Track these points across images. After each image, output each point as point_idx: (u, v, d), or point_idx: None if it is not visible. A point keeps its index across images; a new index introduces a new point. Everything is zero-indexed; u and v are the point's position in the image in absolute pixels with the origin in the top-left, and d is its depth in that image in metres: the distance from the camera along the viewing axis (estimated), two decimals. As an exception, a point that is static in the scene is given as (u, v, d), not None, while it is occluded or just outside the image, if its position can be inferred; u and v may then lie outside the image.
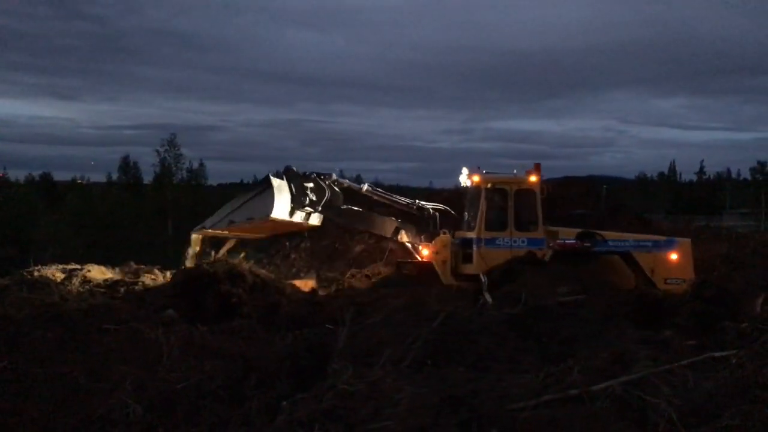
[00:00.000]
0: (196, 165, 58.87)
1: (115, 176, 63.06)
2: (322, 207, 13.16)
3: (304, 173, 13.39)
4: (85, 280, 12.36)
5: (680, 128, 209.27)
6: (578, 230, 13.51)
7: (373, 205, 14.50)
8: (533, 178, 13.53)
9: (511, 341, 7.19)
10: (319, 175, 13.46)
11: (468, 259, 13.26)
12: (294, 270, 18.98)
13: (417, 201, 14.30)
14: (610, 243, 13.39)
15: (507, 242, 13.20)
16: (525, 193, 13.49)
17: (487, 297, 10.36)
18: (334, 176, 13.74)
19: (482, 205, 13.24)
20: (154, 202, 46.62)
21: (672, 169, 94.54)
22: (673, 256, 13.21)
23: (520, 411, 4.72)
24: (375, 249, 23.18)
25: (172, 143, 48.45)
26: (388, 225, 13.98)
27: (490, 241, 13.16)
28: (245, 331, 8.75)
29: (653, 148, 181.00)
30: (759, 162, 69.95)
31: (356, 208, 13.80)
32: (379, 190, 14.80)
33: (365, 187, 14.04)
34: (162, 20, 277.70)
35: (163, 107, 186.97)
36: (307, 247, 23.60)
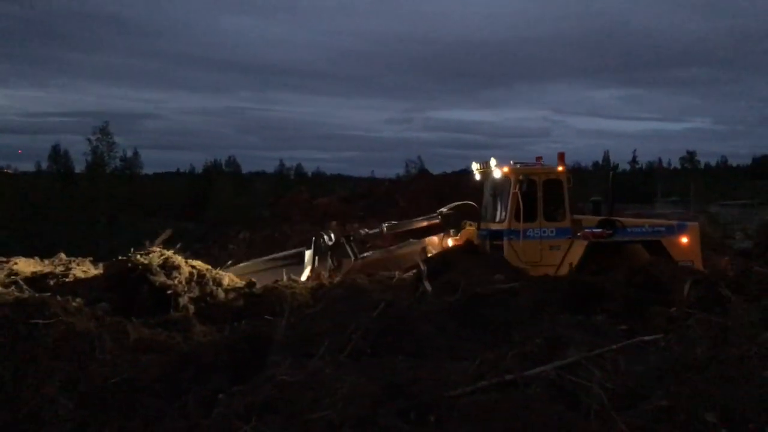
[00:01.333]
0: (130, 154, 57.60)
1: (44, 165, 61.08)
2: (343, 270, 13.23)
3: (333, 240, 13.56)
4: (12, 273, 11.92)
5: (614, 119, 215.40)
6: (599, 218, 13.64)
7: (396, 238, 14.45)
8: (560, 168, 13.58)
9: (450, 329, 7.26)
10: (347, 238, 13.45)
11: (498, 250, 13.22)
12: (232, 261, 18.72)
13: (439, 211, 14.22)
14: (629, 230, 13.59)
15: (537, 233, 13.23)
16: (553, 183, 13.57)
17: (427, 285, 10.44)
18: (362, 232, 13.78)
19: (512, 195, 13.21)
20: (86, 192, 45.29)
21: (606, 158, 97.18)
22: (684, 240, 13.54)
23: (457, 397, 4.77)
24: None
25: (104, 131, 47.25)
26: (415, 250, 13.93)
27: (521, 233, 13.16)
28: (181, 323, 8.60)
29: (588, 138, 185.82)
30: (688, 151, 72.93)
31: (375, 254, 14.06)
32: (395, 222, 14.84)
33: (384, 228, 13.97)
34: (94, 4, 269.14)
35: (95, 94, 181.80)
36: (246, 237, 23.35)
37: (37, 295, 10.24)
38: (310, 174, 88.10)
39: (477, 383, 4.92)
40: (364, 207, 27.67)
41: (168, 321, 8.90)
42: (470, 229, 13.63)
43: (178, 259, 11.08)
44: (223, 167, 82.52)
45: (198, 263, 11.76)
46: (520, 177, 13.39)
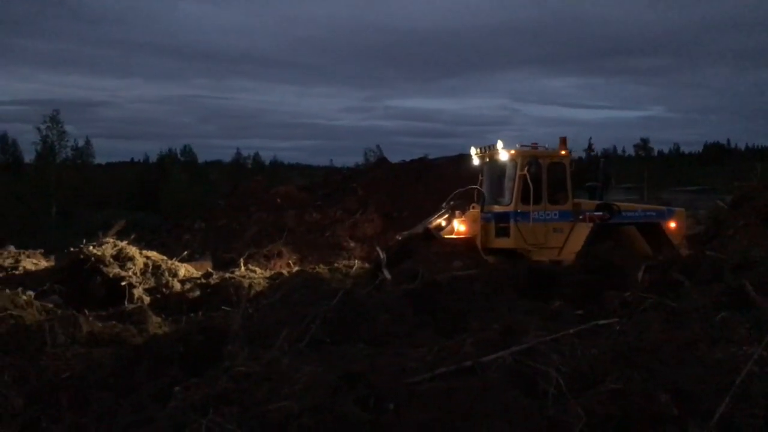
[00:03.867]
0: (81, 143, 56.28)
1: (-9, 155, 59.39)
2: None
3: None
4: (-41, 267, 11.58)
5: (570, 107, 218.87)
6: (597, 202, 13.83)
7: None
8: (564, 152, 13.64)
9: (408, 317, 7.26)
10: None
11: (504, 233, 13.27)
12: (188, 252, 18.49)
13: (445, 206, 14.00)
14: (624, 214, 13.81)
15: (542, 216, 13.32)
16: (557, 166, 13.73)
17: (386, 273, 10.44)
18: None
19: (518, 178, 13.21)
20: (35, 182, 44.15)
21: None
22: (672, 224, 13.81)
23: (416, 384, 4.77)
24: (273, 228, 22.94)
25: (54, 119, 45.94)
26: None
27: (526, 215, 13.25)
28: (136, 315, 8.45)
29: (546, 125, 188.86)
30: (642, 139, 74.14)
31: None
32: (404, 232, 14.57)
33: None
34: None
35: (46, 82, 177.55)
36: (202, 227, 23.07)
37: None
38: (267, 163, 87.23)
39: (435, 370, 4.92)
40: (322, 196, 27.56)
41: (122, 313, 8.76)
42: (473, 211, 13.66)
43: (132, 250, 10.91)
44: (179, 156, 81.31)
45: (153, 254, 11.59)
46: (528, 159, 13.50)
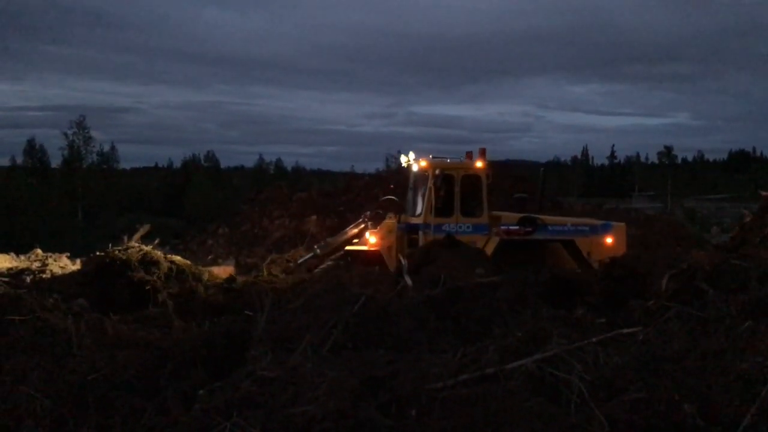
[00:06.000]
0: (107, 148, 56.98)
1: (19, 160, 60.27)
2: None
3: None
4: (-12, 270, 11.77)
5: (594, 114, 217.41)
6: (520, 215, 13.60)
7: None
8: (480, 164, 13.53)
9: (430, 323, 7.26)
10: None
11: (414, 244, 13.17)
12: (211, 256, 18.63)
13: (364, 216, 14.13)
14: (550, 228, 13.55)
15: (453, 228, 13.14)
16: (471, 178, 13.52)
17: (407, 279, 10.44)
18: (291, 265, 14.33)
19: (429, 190, 13.15)
20: (62, 187, 44.77)
21: (585, 153, 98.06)
22: (609, 240, 13.55)
23: (438, 391, 4.78)
24: (295, 234, 23.05)
25: (81, 125, 46.60)
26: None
27: (437, 227, 13.11)
28: (160, 319, 8.53)
29: (568, 132, 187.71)
30: (666, 146, 73.54)
31: None
32: (329, 239, 15.02)
33: (318, 251, 14.12)
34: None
35: (72, 88, 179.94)
36: (225, 232, 23.24)
37: (12, 291, 10.12)
38: (289, 169, 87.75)
39: (457, 376, 4.93)
40: (343, 202, 27.62)
41: (147, 317, 8.83)
42: (389, 222, 13.55)
43: (157, 255, 11.01)
44: (202, 162, 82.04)
45: (177, 258, 11.69)
46: (437, 171, 13.32)
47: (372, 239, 13.36)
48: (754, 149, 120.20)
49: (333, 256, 13.86)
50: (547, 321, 6.97)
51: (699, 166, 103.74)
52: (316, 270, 13.59)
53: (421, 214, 13.37)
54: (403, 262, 11.62)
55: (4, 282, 11.04)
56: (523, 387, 4.73)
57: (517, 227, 13.25)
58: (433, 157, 13.78)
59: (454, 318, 7.59)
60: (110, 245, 11.32)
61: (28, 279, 11.51)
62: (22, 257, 13.59)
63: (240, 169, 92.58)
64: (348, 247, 13.95)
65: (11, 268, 12.17)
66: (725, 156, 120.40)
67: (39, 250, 13.96)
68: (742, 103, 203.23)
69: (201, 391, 5.26)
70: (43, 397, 5.76)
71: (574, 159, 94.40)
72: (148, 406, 5.54)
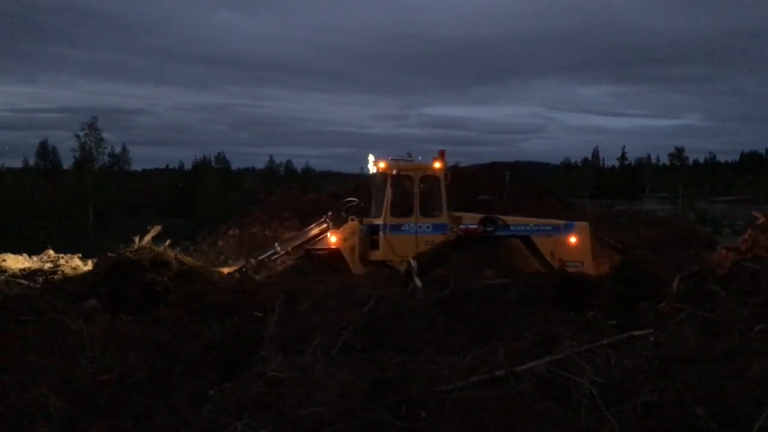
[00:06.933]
0: (118, 150, 57.26)
1: (32, 161, 60.71)
2: None
3: None
4: (1, 270, 11.85)
5: (604, 115, 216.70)
6: (481, 215, 13.78)
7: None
8: (437, 165, 13.80)
9: (440, 324, 7.26)
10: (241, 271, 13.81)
11: (375, 245, 13.49)
12: (222, 257, 18.65)
13: (327, 214, 14.26)
14: (512, 228, 13.72)
15: (412, 228, 13.47)
16: (430, 179, 13.80)
17: (417, 281, 10.43)
18: (253, 261, 14.03)
19: (388, 191, 13.47)
20: (74, 188, 44.98)
21: (595, 154, 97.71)
22: (572, 240, 13.69)
23: (448, 393, 4.78)
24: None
25: (92, 127, 46.74)
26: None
27: (396, 227, 13.45)
28: (171, 320, 8.55)
29: (578, 134, 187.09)
30: (677, 148, 72.92)
31: None
32: (288, 235, 15.00)
33: (278, 248, 14.00)
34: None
35: (84, 90, 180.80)
36: (236, 234, 23.28)
37: (25, 291, 10.22)
38: (299, 170, 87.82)
39: (468, 378, 4.93)
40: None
41: (158, 318, 8.86)
42: (352, 223, 13.70)
43: (168, 256, 11.05)
44: (213, 163, 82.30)
45: (188, 260, 11.74)
46: (394, 172, 13.63)
47: (333, 239, 13.54)
48: (766, 150, 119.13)
49: (294, 255, 14.08)
50: (557, 323, 6.96)
51: (710, 167, 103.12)
52: (280, 269, 13.93)
53: (381, 215, 13.60)
54: (413, 263, 11.62)
55: (16, 283, 11.14)
56: (534, 389, 4.72)
57: (475, 227, 13.43)
58: (392, 159, 14.11)
59: (464, 320, 7.59)
60: (121, 246, 11.37)
61: (41, 279, 11.58)
62: (35, 258, 13.68)
63: (250, 171, 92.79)
64: (309, 247, 14.16)
65: (24, 269, 12.24)
66: (737, 157, 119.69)
67: (51, 251, 14.05)
68: (753, 105, 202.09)
69: (212, 392, 5.29)
70: (55, 396, 5.80)
71: (585, 160, 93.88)
72: (159, 407, 5.57)
